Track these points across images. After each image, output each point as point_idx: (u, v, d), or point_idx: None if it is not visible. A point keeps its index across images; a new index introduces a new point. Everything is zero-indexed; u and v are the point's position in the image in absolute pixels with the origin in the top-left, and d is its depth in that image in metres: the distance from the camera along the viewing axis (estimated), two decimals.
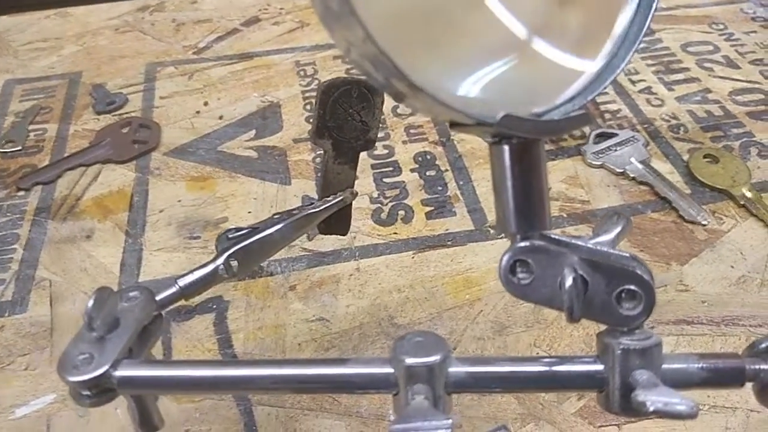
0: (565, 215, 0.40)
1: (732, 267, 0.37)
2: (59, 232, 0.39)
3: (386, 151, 0.44)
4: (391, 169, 0.43)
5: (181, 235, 0.38)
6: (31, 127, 0.46)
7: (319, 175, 0.38)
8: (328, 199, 0.29)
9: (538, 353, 0.33)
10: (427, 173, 0.42)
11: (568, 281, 0.19)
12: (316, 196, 0.41)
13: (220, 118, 0.46)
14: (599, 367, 0.20)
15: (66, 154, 0.43)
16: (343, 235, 0.31)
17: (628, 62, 0.20)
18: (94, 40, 0.55)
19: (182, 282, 0.25)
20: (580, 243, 0.20)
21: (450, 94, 0.19)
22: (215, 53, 0.53)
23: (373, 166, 0.43)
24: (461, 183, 0.42)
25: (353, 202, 0.32)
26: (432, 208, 0.40)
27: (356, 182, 0.41)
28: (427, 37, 0.19)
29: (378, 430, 0.31)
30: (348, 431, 0.30)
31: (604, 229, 0.22)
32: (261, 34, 0.55)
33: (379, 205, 0.40)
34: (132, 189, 0.41)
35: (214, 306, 0.35)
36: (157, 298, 0.24)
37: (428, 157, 0.44)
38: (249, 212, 0.40)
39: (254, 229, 0.27)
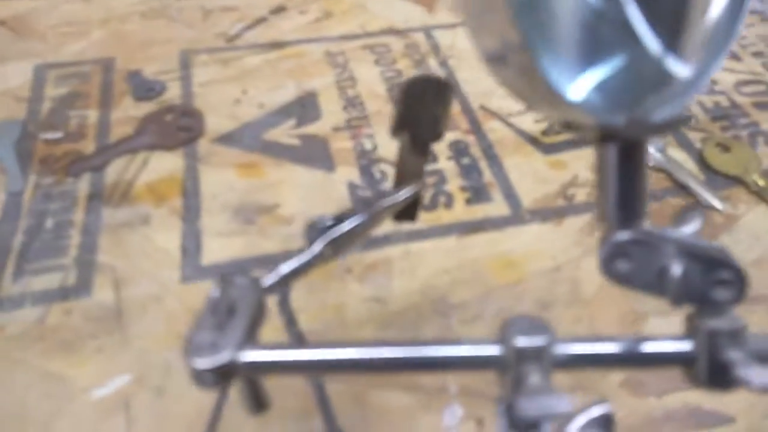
0: (593, 201, 0.41)
1: (748, 250, 0.39)
2: (115, 217, 0.38)
3: None
4: (429, 158, 0.43)
5: (237, 220, 0.38)
6: (70, 113, 0.45)
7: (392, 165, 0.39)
8: (404, 189, 0.29)
9: (579, 330, 0.35)
10: (462, 161, 0.43)
11: (675, 270, 0.20)
12: (360, 182, 0.41)
13: (261, 106, 0.46)
14: (689, 346, 0.21)
15: (111, 141, 0.43)
16: (412, 221, 0.32)
17: (719, 65, 0.21)
18: (123, 26, 0.54)
19: (284, 269, 0.25)
20: (672, 234, 0.21)
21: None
22: (246, 42, 0.52)
23: None
24: (495, 170, 0.43)
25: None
26: (470, 194, 0.41)
27: None
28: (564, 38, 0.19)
29: (441, 400, 0.32)
30: (415, 401, 0.31)
31: (683, 222, 0.23)
32: (288, 23, 0.55)
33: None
34: (183, 175, 0.41)
35: (279, 288, 0.35)
36: (261, 283, 0.25)
37: (461, 146, 0.44)
38: (300, 199, 0.40)
39: (340, 220, 0.27)
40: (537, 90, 0.19)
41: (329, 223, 0.28)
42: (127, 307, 0.34)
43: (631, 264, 0.21)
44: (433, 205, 0.40)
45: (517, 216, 0.40)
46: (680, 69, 0.21)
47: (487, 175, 0.42)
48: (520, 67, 0.19)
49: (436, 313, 0.35)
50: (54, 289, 0.35)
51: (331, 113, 0.46)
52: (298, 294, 0.35)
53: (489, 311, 0.35)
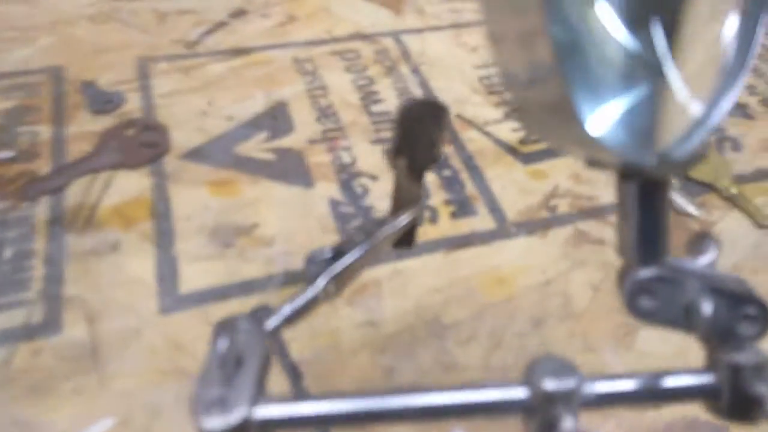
0: (575, 212, 0.41)
1: (725, 257, 0.40)
2: (80, 244, 0.36)
3: None
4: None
5: (214, 243, 0.36)
6: (19, 129, 0.42)
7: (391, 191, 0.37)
8: (402, 216, 0.28)
9: (574, 346, 0.35)
10: (444, 173, 0.42)
11: (705, 309, 0.20)
12: (341, 198, 0.40)
13: (230, 118, 0.44)
14: (712, 379, 0.21)
15: (69, 160, 0.40)
16: (410, 248, 0.31)
17: (732, 100, 0.21)
18: (71, 31, 0.50)
19: (287, 310, 0.24)
20: (695, 268, 0.21)
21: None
22: (207, 48, 0.49)
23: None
24: (477, 182, 0.42)
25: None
26: (455, 207, 0.40)
27: (378, 184, 0.41)
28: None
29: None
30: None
31: (699, 252, 0.23)
32: (251, 27, 0.52)
33: None
34: (151, 196, 0.38)
35: (264, 315, 0.34)
36: (265, 327, 0.23)
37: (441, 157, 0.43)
38: (279, 218, 0.38)
39: (340, 252, 0.26)
40: (563, 124, 0.18)
41: (329, 255, 0.26)
42: (103, 344, 0.32)
43: (656, 301, 0.21)
44: (418, 221, 0.39)
45: (503, 229, 0.39)
46: (694, 105, 0.20)
47: (470, 187, 0.42)
48: (549, 98, 0.18)
49: (431, 334, 0.34)
50: (18, 327, 0.32)
51: (305, 125, 0.44)
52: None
53: (483, 330, 0.34)
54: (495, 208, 0.41)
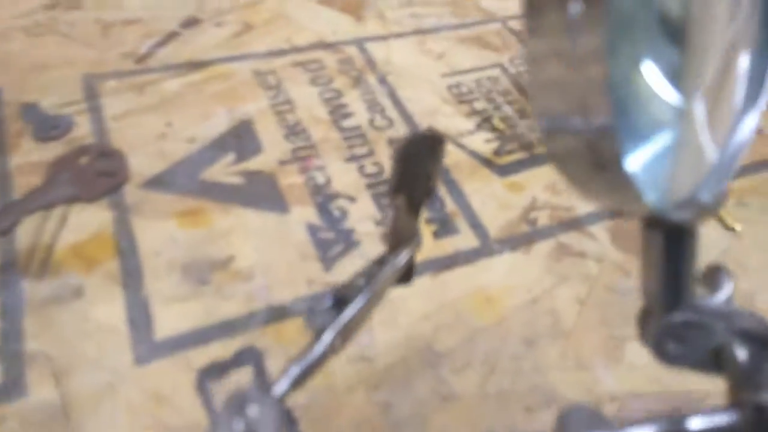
0: (555, 224, 0.41)
1: (701, 263, 0.40)
2: (38, 292, 0.32)
3: (376, 169, 0.42)
4: (386, 188, 0.41)
5: (188, 280, 0.34)
6: None
7: (387, 229, 0.36)
8: (402, 253, 0.27)
9: (566, 364, 0.34)
10: None
11: (737, 354, 0.19)
12: (319, 223, 0.38)
13: (191, 140, 0.41)
14: (738, 418, 0.21)
15: (16, 196, 0.36)
16: (409, 284, 0.29)
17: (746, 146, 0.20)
18: (5, 46, 0.45)
19: (295, 371, 0.22)
20: (717, 308, 0.21)
21: None
22: (160, 61, 0.46)
23: (368, 186, 0.40)
24: (456, 197, 0.41)
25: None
26: (437, 226, 0.39)
27: (356, 205, 0.39)
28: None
29: None
30: None
31: (715, 287, 0.22)
32: (205, 37, 0.49)
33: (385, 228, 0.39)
34: (113, 231, 0.35)
35: (249, 357, 0.31)
36: (275, 394, 0.21)
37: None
38: (255, 249, 0.36)
39: (341, 299, 0.24)
40: (606, 178, 0.17)
41: (329, 304, 0.24)
42: (74, 404, 0.29)
43: (683, 346, 0.20)
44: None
45: (486, 247, 0.38)
46: (712, 149, 0.20)
47: (449, 204, 0.40)
48: (595, 154, 0.17)
49: (425, 364, 0.33)
50: None
51: (273, 144, 0.42)
52: (274, 363, 0.31)
53: (477, 356, 0.33)
54: (476, 224, 0.40)
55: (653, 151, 0.18)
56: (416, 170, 0.26)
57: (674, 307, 0.20)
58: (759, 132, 0.26)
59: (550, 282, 0.37)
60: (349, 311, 0.24)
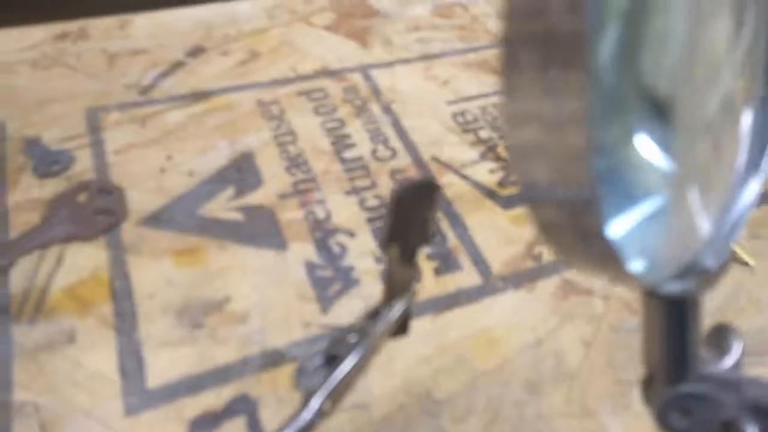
0: (559, 259, 0.39)
1: (709, 298, 0.38)
2: (30, 338, 0.31)
3: (377, 202, 0.40)
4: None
5: (183, 324, 0.32)
6: None
7: (382, 277, 0.34)
8: (397, 304, 0.25)
9: (571, 411, 0.32)
10: None
11: (749, 430, 0.17)
12: (318, 260, 0.36)
13: (191, 174, 0.40)
14: None
15: (13, 235, 0.35)
16: (405, 334, 0.27)
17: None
18: (11, 79, 0.45)
19: None
20: (726, 378, 0.19)
21: None
22: (164, 93, 0.45)
23: (368, 220, 0.39)
24: (458, 232, 0.39)
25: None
26: (438, 262, 0.37)
27: (355, 241, 0.38)
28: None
29: None
30: None
31: (721, 350, 0.20)
32: (210, 67, 0.48)
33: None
34: (109, 272, 0.34)
35: (242, 407, 0.30)
36: None
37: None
38: (252, 289, 0.34)
39: (332, 357, 0.23)
40: (593, 250, 0.15)
41: (320, 363, 0.23)
42: None
43: (689, 418, 0.18)
44: (420, 276, 0.36)
45: (489, 284, 0.37)
46: (706, 220, 0.18)
47: (451, 238, 0.39)
48: (580, 224, 0.15)
49: (425, 413, 0.31)
50: None
51: (274, 177, 0.40)
52: (268, 412, 0.30)
53: (479, 403, 0.32)
54: (479, 261, 0.38)
55: (641, 222, 0.16)
56: (410, 219, 0.24)
57: (679, 378, 0.18)
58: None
59: (555, 322, 0.35)
60: (340, 372, 0.22)
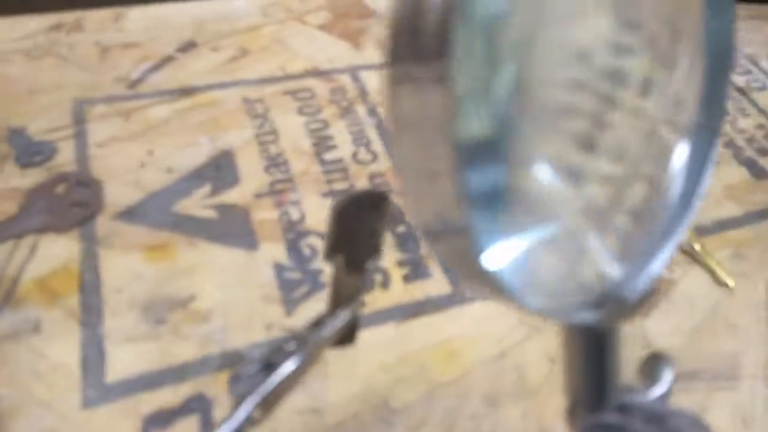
0: None
1: (685, 319, 0.37)
2: None
3: None
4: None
5: (147, 319, 0.33)
6: None
7: (329, 288, 0.34)
8: (342, 313, 0.25)
9: (528, 427, 0.32)
10: (398, 230, 0.39)
11: None
12: (287, 262, 0.36)
13: (170, 170, 0.40)
14: None
15: None
16: (352, 344, 0.27)
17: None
18: (4, 68, 0.45)
19: None
20: (649, 409, 0.18)
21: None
22: (152, 87, 0.45)
23: None
24: None
25: None
26: (408, 269, 0.37)
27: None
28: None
29: None
30: None
31: (652, 380, 0.20)
32: (200, 62, 0.48)
33: None
34: (79, 265, 0.34)
35: (197, 406, 0.30)
36: None
37: (395, 212, 0.40)
38: (218, 287, 0.35)
39: (269, 365, 0.23)
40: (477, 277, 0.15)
41: (256, 369, 0.23)
42: None
43: None
44: (368, 286, 0.36)
45: (458, 293, 0.36)
46: (613, 270, 0.17)
47: (424, 245, 0.38)
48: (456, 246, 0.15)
49: (379, 421, 0.31)
50: None
51: (252, 176, 0.40)
52: (222, 411, 0.30)
53: (435, 414, 0.31)
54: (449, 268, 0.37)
55: (525, 254, 0.16)
56: (356, 229, 0.24)
57: (598, 407, 0.18)
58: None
59: (522, 334, 0.35)
60: (274, 379, 0.22)
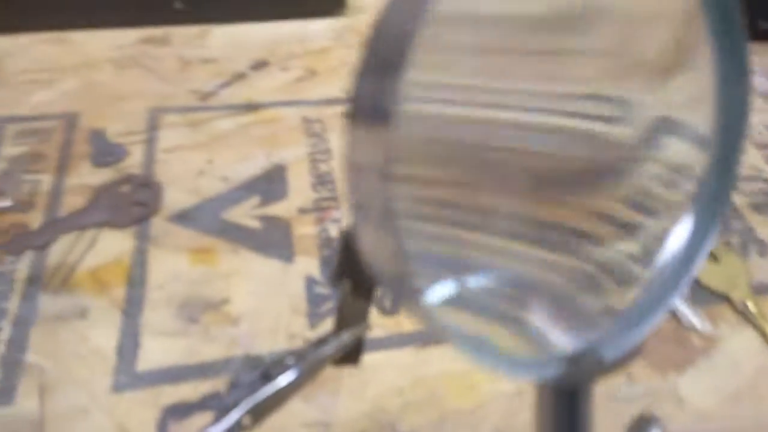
0: None
1: (726, 381, 0.35)
2: (52, 307, 0.35)
3: None
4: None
5: (182, 317, 0.35)
6: (24, 177, 0.42)
7: (335, 309, 0.35)
8: (346, 334, 0.26)
9: None
10: None
11: None
12: (319, 277, 0.37)
13: (225, 179, 0.42)
14: None
15: (61, 214, 0.39)
16: (355, 365, 0.28)
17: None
18: (94, 75, 0.50)
19: None
20: None
21: None
22: (221, 101, 0.48)
23: None
24: None
25: None
26: None
27: None
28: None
29: None
30: None
31: None
32: (268, 80, 0.51)
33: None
34: (131, 260, 0.37)
35: (214, 404, 0.32)
36: None
37: None
38: (251, 294, 0.36)
39: (267, 376, 0.23)
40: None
41: (254, 379, 0.24)
42: (50, 421, 0.31)
43: None
44: (394, 308, 0.36)
45: None
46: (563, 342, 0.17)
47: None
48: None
49: None
50: None
51: (299, 191, 0.42)
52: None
53: None
54: None
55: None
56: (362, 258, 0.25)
57: None
58: None
59: None
60: (267, 389, 0.23)
